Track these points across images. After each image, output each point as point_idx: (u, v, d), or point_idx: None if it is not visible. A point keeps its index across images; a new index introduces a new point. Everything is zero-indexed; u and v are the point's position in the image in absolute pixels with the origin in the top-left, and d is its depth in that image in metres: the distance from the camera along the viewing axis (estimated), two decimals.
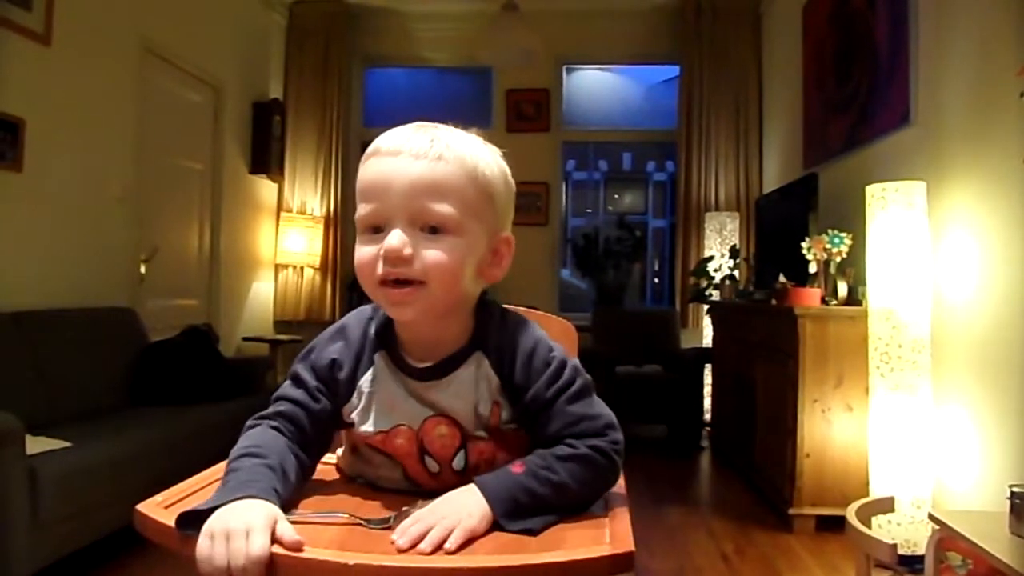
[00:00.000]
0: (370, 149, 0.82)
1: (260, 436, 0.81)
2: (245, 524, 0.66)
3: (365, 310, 0.89)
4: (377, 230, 0.78)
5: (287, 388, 0.86)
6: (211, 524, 0.67)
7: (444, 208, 0.77)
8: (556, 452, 0.80)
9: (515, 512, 0.74)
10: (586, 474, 0.80)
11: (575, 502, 0.79)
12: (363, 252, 0.79)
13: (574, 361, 0.86)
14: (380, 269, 0.77)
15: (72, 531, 2.21)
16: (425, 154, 0.77)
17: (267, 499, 0.71)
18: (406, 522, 0.71)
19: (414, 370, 0.84)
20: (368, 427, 0.84)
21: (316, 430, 0.85)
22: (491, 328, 0.85)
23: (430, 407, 0.83)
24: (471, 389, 0.83)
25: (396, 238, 0.76)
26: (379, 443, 0.85)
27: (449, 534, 0.69)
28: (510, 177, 0.86)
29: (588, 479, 0.80)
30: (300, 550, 0.65)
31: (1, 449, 1.94)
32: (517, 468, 0.78)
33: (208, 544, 0.66)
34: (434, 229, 0.77)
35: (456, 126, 0.84)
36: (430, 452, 0.84)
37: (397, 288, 0.78)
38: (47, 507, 2.06)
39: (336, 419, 0.87)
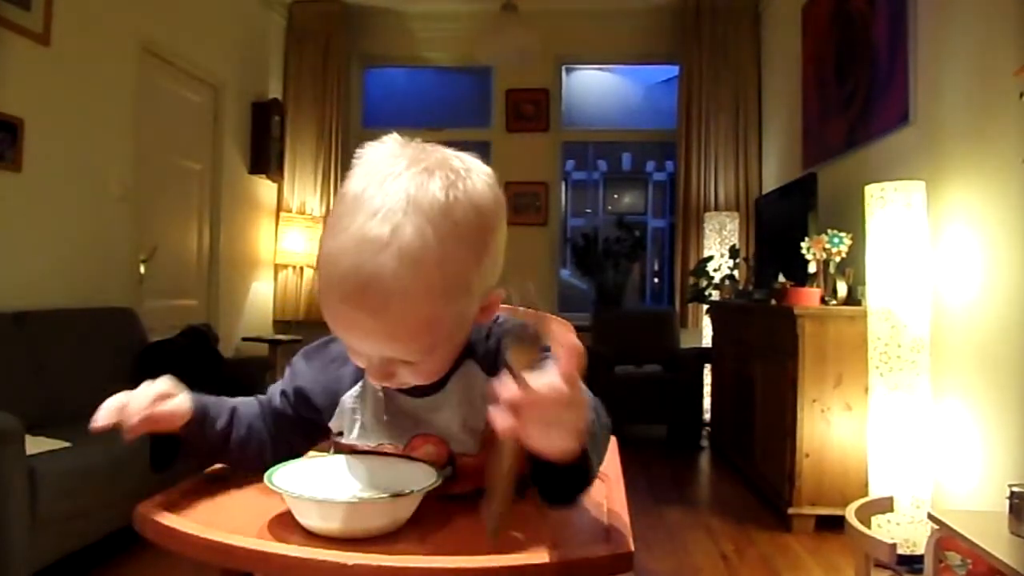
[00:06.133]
0: (351, 199, 0.68)
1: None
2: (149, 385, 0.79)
3: None
4: None
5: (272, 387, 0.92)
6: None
7: (427, 346, 0.72)
8: None
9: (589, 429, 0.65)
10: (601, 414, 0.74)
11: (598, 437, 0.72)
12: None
13: None
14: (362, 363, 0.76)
15: (72, 531, 2.21)
16: (410, 253, 0.66)
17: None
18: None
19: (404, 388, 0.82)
20: (352, 442, 0.84)
21: (279, 428, 0.90)
22: (482, 335, 0.83)
23: (418, 425, 0.82)
24: (462, 401, 0.81)
25: (377, 369, 0.74)
26: None
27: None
28: (503, 210, 0.76)
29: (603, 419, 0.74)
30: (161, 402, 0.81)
31: (1, 449, 1.94)
32: None
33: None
34: None
35: (454, 144, 0.75)
36: None
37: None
38: (47, 507, 2.06)
39: (311, 431, 0.89)
